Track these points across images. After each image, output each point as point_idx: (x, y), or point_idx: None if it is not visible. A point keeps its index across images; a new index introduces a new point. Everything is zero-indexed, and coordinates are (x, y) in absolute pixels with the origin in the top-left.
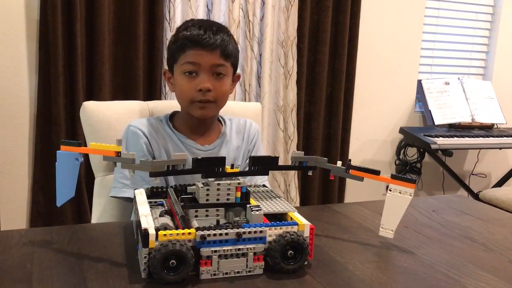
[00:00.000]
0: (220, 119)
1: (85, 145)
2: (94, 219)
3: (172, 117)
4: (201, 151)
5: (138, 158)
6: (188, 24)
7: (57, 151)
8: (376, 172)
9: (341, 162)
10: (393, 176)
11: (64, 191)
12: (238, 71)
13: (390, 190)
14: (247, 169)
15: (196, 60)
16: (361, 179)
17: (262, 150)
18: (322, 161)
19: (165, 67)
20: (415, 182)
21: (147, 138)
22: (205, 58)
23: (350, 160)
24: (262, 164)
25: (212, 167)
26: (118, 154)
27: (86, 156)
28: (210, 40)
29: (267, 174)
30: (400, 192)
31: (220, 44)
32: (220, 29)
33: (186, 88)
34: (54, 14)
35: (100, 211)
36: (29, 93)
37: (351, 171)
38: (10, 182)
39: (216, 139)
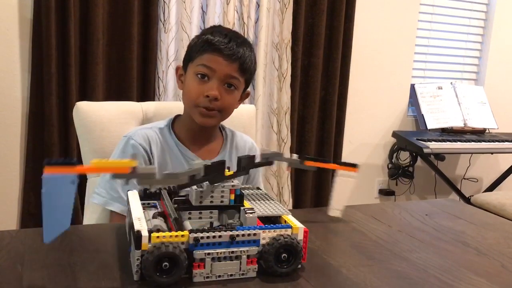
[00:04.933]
0: (221, 128)
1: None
2: (86, 220)
3: (173, 122)
4: None
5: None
6: (215, 29)
7: (44, 176)
8: (327, 161)
9: (297, 155)
10: (337, 163)
11: (55, 223)
12: None
13: (337, 176)
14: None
15: (212, 65)
16: (314, 168)
17: (260, 178)
18: (279, 155)
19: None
20: (356, 166)
21: (147, 153)
22: (221, 66)
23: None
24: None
25: (219, 173)
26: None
27: (78, 157)
28: (232, 50)
29: (248, 173)
30: (345, 176)
31: (241, 57)
32: (244, 43)
33: (194, 90)
34: (48, 13)
35: (92, 212)
36: (22, 92)
37: (306, 162)
38: (1, 182)
39: (217, 154)
